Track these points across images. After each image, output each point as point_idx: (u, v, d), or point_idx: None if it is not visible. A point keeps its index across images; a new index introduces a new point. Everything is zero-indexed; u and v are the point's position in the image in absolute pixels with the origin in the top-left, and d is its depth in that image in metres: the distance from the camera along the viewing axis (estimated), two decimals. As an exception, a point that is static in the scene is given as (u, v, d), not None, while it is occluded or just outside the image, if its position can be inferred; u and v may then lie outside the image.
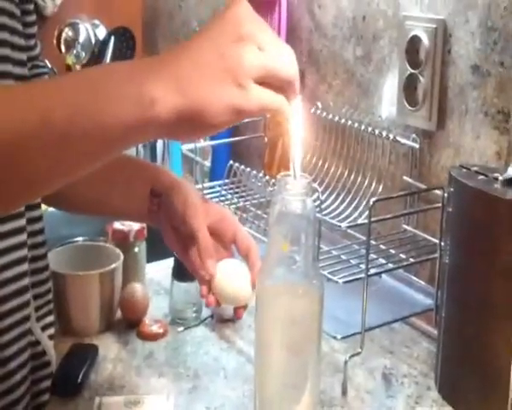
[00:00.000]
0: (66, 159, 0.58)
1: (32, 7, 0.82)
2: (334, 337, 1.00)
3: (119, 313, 1.12)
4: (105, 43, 1.71)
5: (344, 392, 0.97)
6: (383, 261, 1.07)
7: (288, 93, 0.64)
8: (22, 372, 0.78)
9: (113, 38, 1.70)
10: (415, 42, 1.10)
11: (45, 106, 0.57)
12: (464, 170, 0.94)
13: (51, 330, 0.87)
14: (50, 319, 0.87)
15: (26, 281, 0.78)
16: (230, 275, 0.85)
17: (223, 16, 0.62)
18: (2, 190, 0.57)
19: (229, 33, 0.60)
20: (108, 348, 1.05)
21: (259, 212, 1.18)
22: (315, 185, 1.08)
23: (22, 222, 0.77)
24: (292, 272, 0.76)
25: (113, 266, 1.07)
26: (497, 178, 0.89)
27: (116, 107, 0.57)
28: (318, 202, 1.03)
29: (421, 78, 1.10)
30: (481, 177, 0.91)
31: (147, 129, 0.59)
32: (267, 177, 1.19)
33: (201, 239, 0.84)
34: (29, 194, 0.62)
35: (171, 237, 0.89)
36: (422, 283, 1.14)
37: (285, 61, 0.63)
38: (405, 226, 1.16)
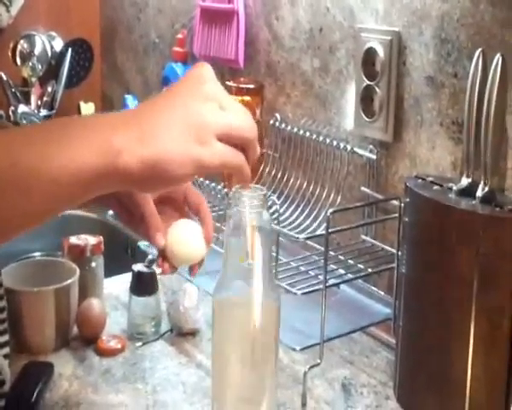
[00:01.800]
0: (29, 204, 0.59)
1: None
2: (294, 349, 1.00)
3: (75, 330, 1.10)
4: (62, 54, 1.69)
5: (304, 404, 0.97)
6: (342, 272, 1.08)
7: (248, 152, 0.66)
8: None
9: (70, 49, 1.69)
10: (371, 53, 1.11)
11: (16, 154, 0.58)
12: (420, 180, 0.95)
13: (6, 350, 0.85)
14: (5, 338, 0.85)
15: None
16: (181, 236, 0.81)
17: (188, 75, 0.65)
18: None
19: (194, 91, 0.63)
20: (64, 365, 1.04)
21: (218, 224, 1.18)
22: (273, 197, 1.08)
23: None
24: (248, 284, 0.76)
25: (69, 281, 1.06)
26: (451, 188, 0.90)
27: (83, 156, 0.59)
28: (276, 214, 1.03)
29: (377, 89, 1.11)
30: (436, 187, 0.92)
31: (112, 179, 0.61)
32: (226, 189, 1.19)
33: (147, 216, 0.81)
34: None
35: (117, 209, 0.85)
36: (381, 293, 1.14)
37: (247, 122, 0.65)
38: (364, 237, 1.16)
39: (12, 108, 1.56)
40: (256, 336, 0.78)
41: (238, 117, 0.65)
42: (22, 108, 1.54)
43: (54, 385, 0.98)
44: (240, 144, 0.65)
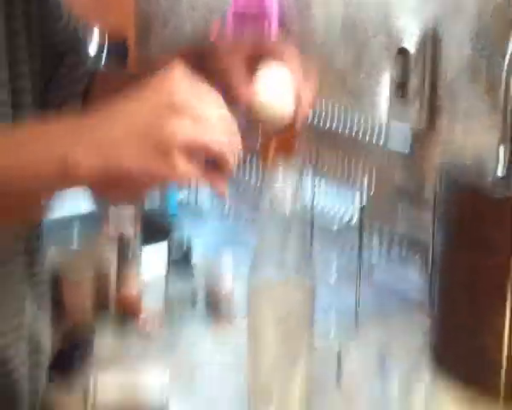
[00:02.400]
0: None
1: None
2: (328, 331, 1.01)
3: (114, 309, 1.13)
4: (97, 56, 1.71)
5: (338, 379, 0.98)
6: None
7: (221, 166, 0.62)
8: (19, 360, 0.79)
9: (105, 51, 1.71)
10: (405, 44, 1.12)
11: None
12: (455, 167, 0.95)
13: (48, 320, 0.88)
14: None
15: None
16: (270, 81, 0.73)
17: (158, 82, 0.61)
18: None
19: (161, 101, 0.60)
20: (103, 342, 1.06)
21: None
22: (307, 177, 1.09)
23: None
24: (283, 265, 0.77)
25: (109, 268, 1.08)
26: (487, 175, 0.91)
27: (39, 168, 0.59)
28: (311, 198, 1.05)
29: (411, 78, 1.12)
30: (472, 173, 0.93)
31: (70, 187, 0.61)
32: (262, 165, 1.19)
33: (232, 70, 0.74)
34: None
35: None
36: (416, 275, 1.14)
37: (218, 136, 0.60)
38: (399, 222, 1.16)
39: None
40: (291, 316, 0.79)
41: (208, 132, 0.60)
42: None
43: (93, 360, 1.01)
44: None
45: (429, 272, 1.04)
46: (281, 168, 0.76)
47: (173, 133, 0.59)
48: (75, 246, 1.27)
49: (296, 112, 0.73)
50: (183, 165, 0.59)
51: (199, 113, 0.60)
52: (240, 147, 0.63)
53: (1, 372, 0.76)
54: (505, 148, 0.91)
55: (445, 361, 0.97)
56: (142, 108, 0.60)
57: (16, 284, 0.78)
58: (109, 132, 0.59)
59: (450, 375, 0.95)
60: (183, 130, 0.59)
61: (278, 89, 0.72)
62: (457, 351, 0.94)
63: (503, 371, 0.88)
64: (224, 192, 0.63)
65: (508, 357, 0.88)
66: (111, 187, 0.60)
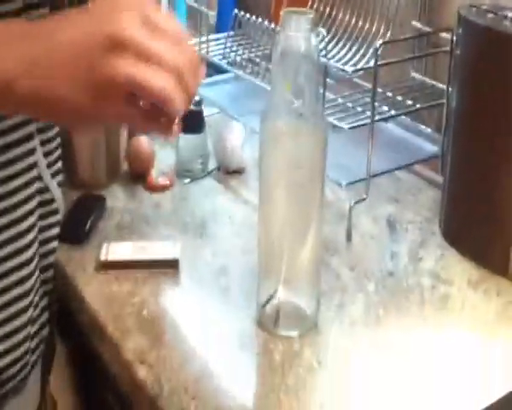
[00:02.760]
0: None
1: None
2: (340, 184, 1.00)
3: (125, 166, 1.12)
4: None
5: (348, 238, 0.99)
6: (390, 109, 1.06)
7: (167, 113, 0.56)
8: (30, 220, 0.79)
9: None
10: None
11: None
12: (474, 9, 0.91)
13: (59, 178, 0.87)
14: (59, 166, 0.87)
15: (31, 127, 0.77)
16: None
17: (108, 5, 0.56)
18: None
19: (105, 32, 0.54)
20: (116, 198, 1.07)
21: (264, 63, 1.16)
22: (320, 29, 1.05)
23: None
24: (295, 113, 0.75)
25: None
26: (506, 16, 0.86)
27: None
28: (324, 46, 1.01)
29: None
30: (491, 15, 0.88)
31: (6, 105, 0.57)
32: (274, 26, 1.16)
33: None
34: None
35: None
36: (429, 130, 1.12)
37: (165, 78, 0.54)
38: (414, 74, 1.13)
39: None
40: (303, 165, 0.78)
41: (154, 70, 0.54)
42: None
43: (107, 217, 1.02)
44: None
45: (444, 123, 1.01)
46: (294, 16, 0.73)
47: (113, 73, 0.53)
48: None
49: None
50: (120, 107, 0.55)
51: (146, 49, 0.54)
52: (196, 87, 0.57)
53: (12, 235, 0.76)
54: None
55: (455, 234, 0.96)
56: (86, 36, 0.54)
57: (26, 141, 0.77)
58: (49, 53, 0.55)
59: (460, 247, 0.94)
60: (123, 69, 0.53)
61: None
62: (468, 224, 0.93)
63: (511, 249, 0.88)
64: (170, 139, 0.60)
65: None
66: (46, 110, 0.56)
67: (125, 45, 0.53)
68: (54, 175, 0.84)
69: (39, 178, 0.79)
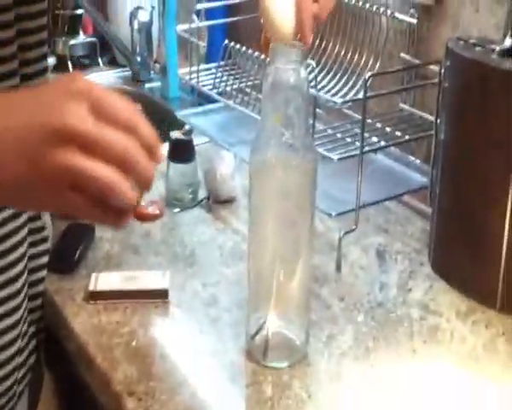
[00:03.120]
0: None
1: None
2: (329, 215, 1.00)
3: (115, 195, 1.12)
4: None
5: (338, 268, 0.99)
6: (379, 140, 1.07)
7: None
8: (20, 250, 0.79)
9: None
10: None
11: None
12: (461, 42, 0.92)
13: None
14: None
15: None
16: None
17: (59, 86, 0.54)
18: None
19: (51, 122, 0.52)
20: (105, 228, 1.06)
21: (254, 93, 1.17)
22: (310, 61, 1.06)
23: None
24: (285, 144, 0.75)
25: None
26: (494, 50, 0.88)
27: None
28: (313, 78, 1.02)
29: (420, -51, 1.07)
30: (478, 48, 0.89)
31: None
32: (264, 57, 1.17)
33: None
34: None
35: None
36: (418, 162, 1.13)
37: (105, 174, 0.52)
38: (402, 105, 1.14)
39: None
40: (292, 197, 0.78)
41: (100, 163, 0.52)
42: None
43: (95, 247, 1.01)
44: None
45: (432, 155, 1.01)
46: (283, 49, 0.74)
47: (56, 165, 0.52)
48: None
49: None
50: (63, 198, 0.53)
51: (92, 140, 0.52)
52: (152, 171, 0.55)
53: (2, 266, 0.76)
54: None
55: (444, 265, 0.97)
56: (32, 125, 0.52)
57: None
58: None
59: (448, 279, 0.95)
60: (66, 161, 0.52)
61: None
62: (456, 255, 0.94)
63: (500, 281, 0.88)
64: (121, 226, 0.57)
65: (506, 263, 0.88)
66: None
67: (71, 137, 0.52)
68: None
69: None
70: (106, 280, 0.92)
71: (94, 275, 0.93)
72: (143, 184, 0.55)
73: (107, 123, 0.53)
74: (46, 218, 0.84)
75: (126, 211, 0.56)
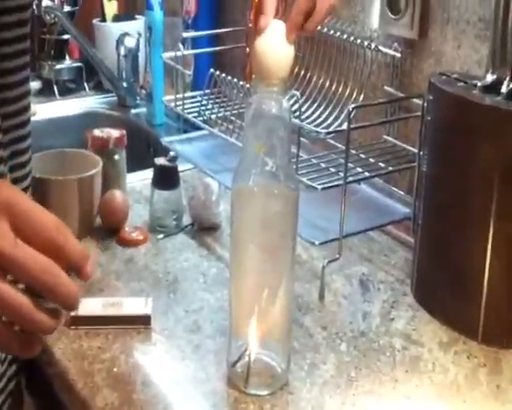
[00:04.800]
0: None
1: None
2: (313, 243, 1.01)
3: (99, 221, 1.12)
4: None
5: (321, 297, 0.99)
6: (363, 170, 1.08)
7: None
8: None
9: None
10: None
11: None
12: (444, 77, 0.93)
13: None
14: None
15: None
16: (269, 39, 0.76)
17: None
18: None
19: None
20: (88, 244, 1.06)
21: (239, 122, 1.18)
22: (294, 91, 1.07)
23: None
24: (267, 173, 0.76)
25: (93, 172, 1.07)
26: (476, 85, 0.89)
27: None
28: (298, 108, 1.03)
29: (404, -15, 1.09)
30: (461, 84, 0.91)
31: None
32: (249, 86, 1.18)
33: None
34: None
35: None
36: (401, 193, 1.14)
37: (15, 304, 0.51)
38: (386, 137, 1.16)
39: (36, 2, 1.55)
40: (274, 225, 0.78)
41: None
42: (46, 2, 1.53)
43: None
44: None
45: (415, 186, 1.03)
46: (265, 80, 0.75)
47: None
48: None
49: None
50: None
51: (9, 260, 0.51)
52: (72, 295, 0.54)
53: None
54: (495, 57, 0.89)
55: (426, 296, 0.97)
56: None
57: None
58: None
59: (430, 309, 0.96)
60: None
61: (275, 47, 0.74)
62: (438, 286, 0.95)
63: (481, 313, 0.89)
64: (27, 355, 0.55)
65: (487, 295, 0.89)
66: None
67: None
68: None
69: None
70: (88, 306, 0.91)
71: (76, 300, 0.92)
72: (65, 306, 0.54)
73: (28, 241, 0.51)
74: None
75: (35, 340, 0.54)
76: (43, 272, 0.52)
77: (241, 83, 1.19)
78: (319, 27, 1.05)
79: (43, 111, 1.65)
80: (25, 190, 0.84)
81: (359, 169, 1.07)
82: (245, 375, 0.80)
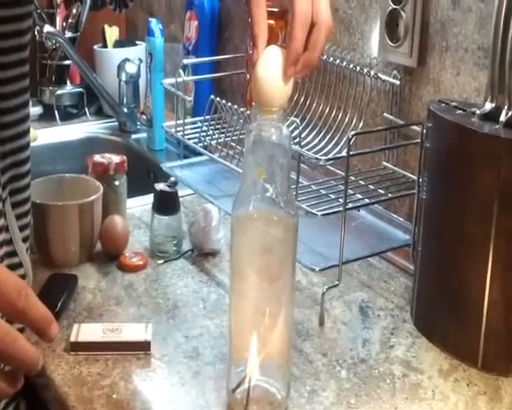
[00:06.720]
0: None
1: None
2: (313, 270, 1.01)
3: (99, 246, 1.12)
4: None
5: (321, 323, 0.99)
6: (362, 197, 1.08)
7: None
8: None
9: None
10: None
11: None
12: (443, 105, 0.94)
13: (27, 244, 0.87)
14: (27, 232, 0.87)
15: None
16: (268, 63, 0.75)
17: None
18: None
19: None
20: (88, 278, 1.06)
21: (239, 148, 1.18)
22: (294, 118, 1.08)
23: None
24: (266, 199, 0.76)
25: (93, 197, 1.08)
26: (474, 113, 0.90)
27: None
28: (297, 135, 1.03)
29: (402, 14, 1.10)
30: (459, 111, 0.92)
31: None
32: (248, 112, 1.19)
33: (256, 29, 0.73)
34: None
35: None
36: (401, 219, 1.15)
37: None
38: (385, 164, 1.16)
39: (37, 27, 1.56)
40: (273, 252, 0.79)
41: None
42: (48, 27, 1.54)
43: (77, 297, 1.01)
44: None
45: (415, 213, 1.03)
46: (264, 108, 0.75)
47: None
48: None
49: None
50: None
51: None
52: (31, 359, 0.56)
53: None
54: (493, 86, 0.90)
55: (426, 323, 0.98)
56: None
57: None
58: None
59: (430, 336, 0.96)
60: None
61: (274, 76, 0.74)
62: (438, 313, 0.95)
63: (481, 340, 0.89)
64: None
65: (487, 323, 0.89)
66: None
67: None
68: (24, 240, 0.84)
69: (9, 241, 0.79)
70: (87, 331, 0.91)
71: (75, 326, 0.92)
72: (23, 371, 0.55)
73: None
74: (25, 256, 0.84)
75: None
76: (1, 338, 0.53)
77: (241, 109, 1.20)
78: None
79: (44, 136, 1.66)
80: (25, 214, 0.84)
81: (359, 196, 1.08)
82: (244, 401, 0.80)
